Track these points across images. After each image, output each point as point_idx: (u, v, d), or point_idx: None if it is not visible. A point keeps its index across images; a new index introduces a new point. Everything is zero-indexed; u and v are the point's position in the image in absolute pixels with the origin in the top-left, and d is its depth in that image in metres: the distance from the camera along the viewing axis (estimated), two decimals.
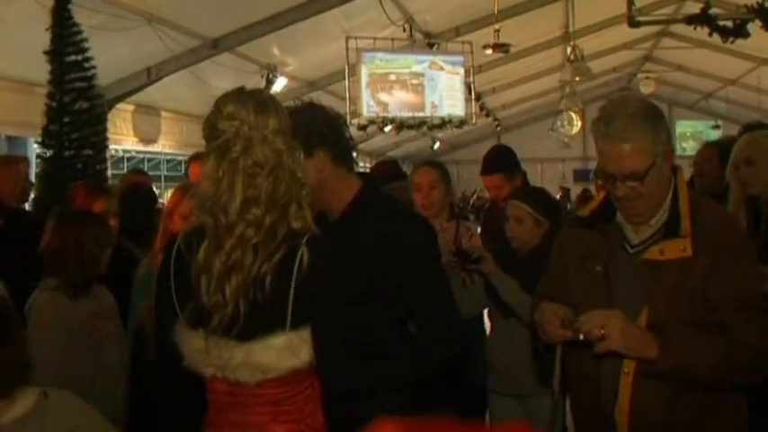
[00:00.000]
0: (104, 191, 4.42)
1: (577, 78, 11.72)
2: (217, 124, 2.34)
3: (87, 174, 6.27)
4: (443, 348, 2.67)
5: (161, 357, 2.49)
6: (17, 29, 6.59)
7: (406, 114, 12.69)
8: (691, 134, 23.77)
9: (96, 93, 6.61)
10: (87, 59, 6.50)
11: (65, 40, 6.40)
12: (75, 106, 6.38)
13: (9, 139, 10.09)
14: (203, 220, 2.34)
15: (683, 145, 23.62)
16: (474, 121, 13.81)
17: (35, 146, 6.67)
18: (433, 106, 12.93)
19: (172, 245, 2.45)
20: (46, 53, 6.48)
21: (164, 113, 11.59)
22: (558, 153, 24.21)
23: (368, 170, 6.18)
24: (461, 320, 2.81)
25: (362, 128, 12.23)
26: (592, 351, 2.53)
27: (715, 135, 22.39)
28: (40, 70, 6.57)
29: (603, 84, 21.15)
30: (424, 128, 13.45)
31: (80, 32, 6.45)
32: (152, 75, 10.12)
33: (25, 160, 5.28)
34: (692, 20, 8.39)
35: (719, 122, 22.33)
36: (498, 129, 22.77)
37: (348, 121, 12.80)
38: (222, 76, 11.64)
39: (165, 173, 17.02)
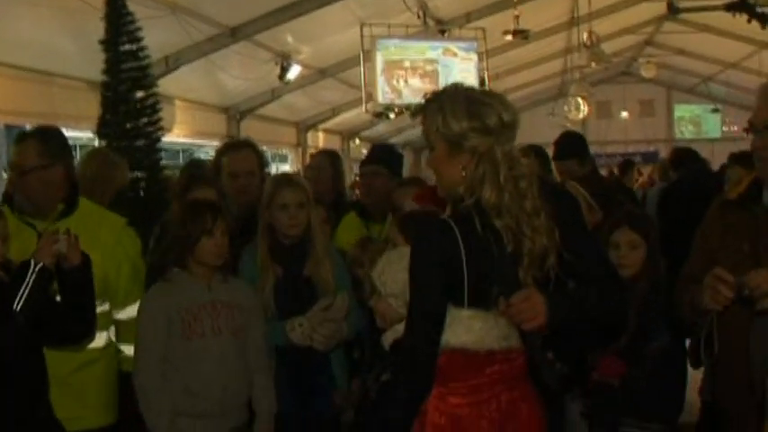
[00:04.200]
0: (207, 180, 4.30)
1: (593, 64, 11.68)
2: None
3: (143, 165, 6.18)
4: (618, 289, 2.69)
5: (425, 341, 2.49)
6: None
7: (421, 101, 12.58)
8: (689, 118, 23.86)
9: (150, 82, 6.50)
10: (142, 49, 6.39)
11: (120, 29, 6.28)
12: (130, 96, 6.29)
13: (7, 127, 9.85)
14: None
15: (682, 129, 23.72)
16: None
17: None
18: None
19: (438, 233, 2.47)
20: (101, 42, 6.36)
21: (178, 102, 11.49)
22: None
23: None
24: None
25: (378, 115, 12.15)
26: (755, 308, 2.58)
27: (714, 119, 22.51)
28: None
29: (603, 68, 21.13)
30: None
31: (134, 21, 6.34)
32: (170, 63, 10.03)
33: None
34: (730, 7, 8.41)
35: (719, 106, 22.43)
36: None
37: (364, 109, 12.88)
38: (237, 64, 11.56)
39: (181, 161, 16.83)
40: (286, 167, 15.96)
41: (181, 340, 3.52)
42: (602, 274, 2.59)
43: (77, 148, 10.87)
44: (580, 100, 15.92)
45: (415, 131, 21.91)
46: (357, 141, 19.79)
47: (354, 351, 4.06)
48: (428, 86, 12.65)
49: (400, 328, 2.75)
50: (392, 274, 2.82)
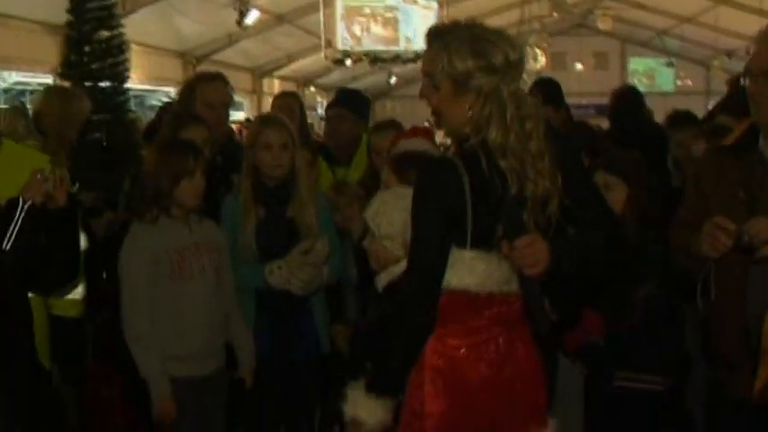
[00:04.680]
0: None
1: (555, 14, 11.65)
2: None
3: (108, 106, 6.01)
4: (619, 237, 2.68)
5: (428, 283, 2.44)
6: None
7: (381, 48, 12.51)
8: (643, 71, 23.97)
9: (116, 22, 6.30)
10: None
11: None
12: (95, 36, 6.08)
13: None
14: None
15: (636, 82, 23.85)
16: None
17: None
18: (407, 40, 12.78)
19: (442, 171, 2.41)
20: None
21: (133, 47, 11.19)
22: None
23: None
24: None
25: (337, 62, 12.01)
26: (753, 256, 2.59)
27: (668, 73, 22.68)
28: None
29: (560, 19, 21.12)
30: (399, 62, 13.28)
31: None
32: (127, 6, 9.79)
33: None
34: None
35: (673, 60, 22.55)
36: None
37: (323, 55, 12.74)
38: (195, 8, 11.32)
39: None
40: (241, 115, 15.73)
41: (169, 282, 3.47)
42: (603, 221, 2.57)
43: (27, 94, 10.59)
44: (538, 51, 15.90)
45: (371, 79, 21.79)
46: (312, 89, 19.58)
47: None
48: (388, 33, 12.57)
49: (395, 270, 2.71)
50: (387, 215, 2.75)
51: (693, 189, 2.98)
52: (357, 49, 12.36)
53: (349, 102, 5.34)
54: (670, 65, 22.43)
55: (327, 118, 5.63)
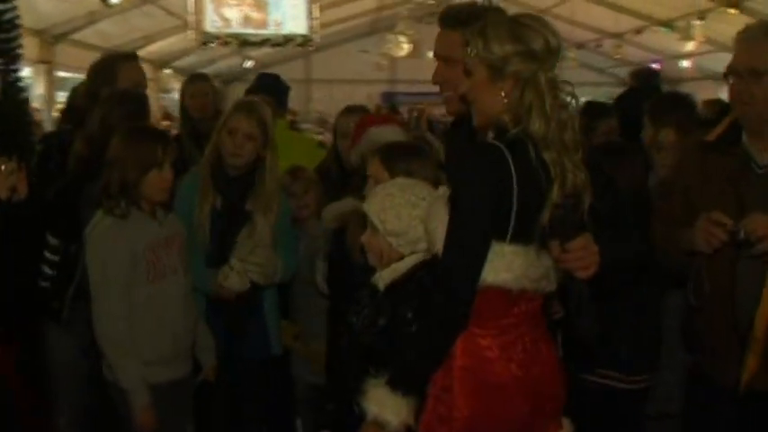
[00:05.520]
0: None
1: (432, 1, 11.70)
2: None
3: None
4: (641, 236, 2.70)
5: (472, 275, 2.30)
6: None
7: (250, 31, 12.24)
8: None
9: None
10: None
11: None
12: None
13: None
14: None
15: None
16: (318, 39, 13.54)
17: None
18: (277, 24, 12.54)
19: (493, 160, 2.28)
20: None
21: None
22: (368, 75, 24.20)
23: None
24: None
25: (205, 44, 11.67)
26: (748, 251, 2.66)
27: None
28: None
29: (415, 7, 21.30)
30: (268, 45, 13.02)
31: None
32: None
33: None
34: None
35: None
36: (311, 48, 22.39)
37: (189, 37, 12.26)
38: None
39: None
40: None
41: (146, 283, 3.22)
42: (632, 233, 2.55)
43: None
44: (403, 38, 15.96)
45: (226, 62, 21.31)
46: (167, 71, 18.92)
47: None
48: (258, 17, 12.30)
49: (401, 268, 2.59)
50: (395, 209, 2.59)
51: (678, 183, 3.03)
52: (226, 31, 12.00)
53: (269, 88, 5.23)
54: None
55: None
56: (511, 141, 2.30)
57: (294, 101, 5.66)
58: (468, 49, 2.39)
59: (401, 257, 2.61)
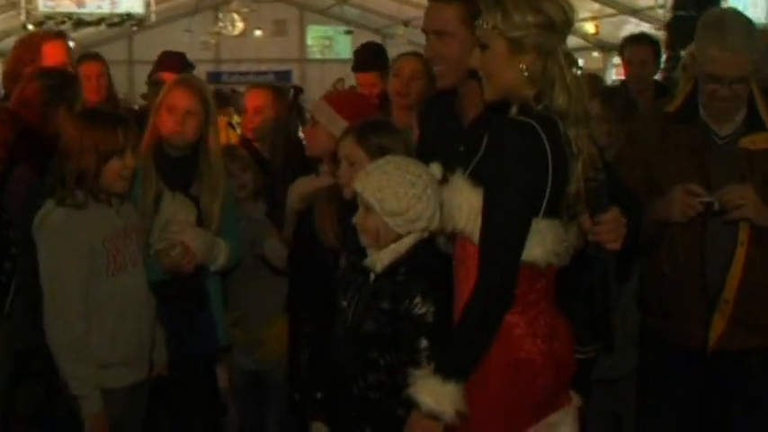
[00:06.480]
0: None
1: None
2: None
3: None
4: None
5: (517, 254, 2.28)
6: None
7: (85, 11, 11.65)
8: (321, 39, 24.45)
9: None
10: None
11: None
12: None
13: None
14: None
15: (314, 49, 24.37)
16: (153, 18, 13.06)
17: None
18: (112, 2, 12.02)
19: (530, 137, 2.25)
20: None
21: None
22: (194, 55, 23.63)
23: None
24: None
25: (39, 24, 11.00)
26: (721, 218, 2.82)
27: (345, 40, 23.30)
28: None
29: None
30: (103, 25, 12.42)
31: None
32: None
33: None
34: None
35: (351, 29, 23.19)
36: (133, 28, 21.58)
37: (23, 17, 11.50)
38: None
39: None
40: None
41: (105, 277, 2.97)
42: (631, 201, 2.58)
43: None
44: (236, 16, 15.67)
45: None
46: None
47: None
48: None
49: (400, 248, 2.53)
50: (392, 188, 2.51)
51: (635, 154, 3.11)
52: (59, 10, 11.36)
53: (178, 68, 5.08)
54: (348, 33, 23.06)
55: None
56: (540, 117, 2.29)
57: (116, 84, 5.41)
58: (482, 22, 2.35)
59: (398, 237, 2.56)
